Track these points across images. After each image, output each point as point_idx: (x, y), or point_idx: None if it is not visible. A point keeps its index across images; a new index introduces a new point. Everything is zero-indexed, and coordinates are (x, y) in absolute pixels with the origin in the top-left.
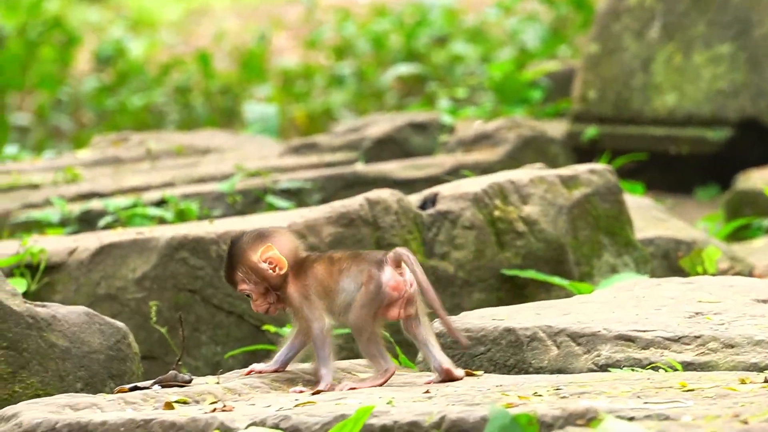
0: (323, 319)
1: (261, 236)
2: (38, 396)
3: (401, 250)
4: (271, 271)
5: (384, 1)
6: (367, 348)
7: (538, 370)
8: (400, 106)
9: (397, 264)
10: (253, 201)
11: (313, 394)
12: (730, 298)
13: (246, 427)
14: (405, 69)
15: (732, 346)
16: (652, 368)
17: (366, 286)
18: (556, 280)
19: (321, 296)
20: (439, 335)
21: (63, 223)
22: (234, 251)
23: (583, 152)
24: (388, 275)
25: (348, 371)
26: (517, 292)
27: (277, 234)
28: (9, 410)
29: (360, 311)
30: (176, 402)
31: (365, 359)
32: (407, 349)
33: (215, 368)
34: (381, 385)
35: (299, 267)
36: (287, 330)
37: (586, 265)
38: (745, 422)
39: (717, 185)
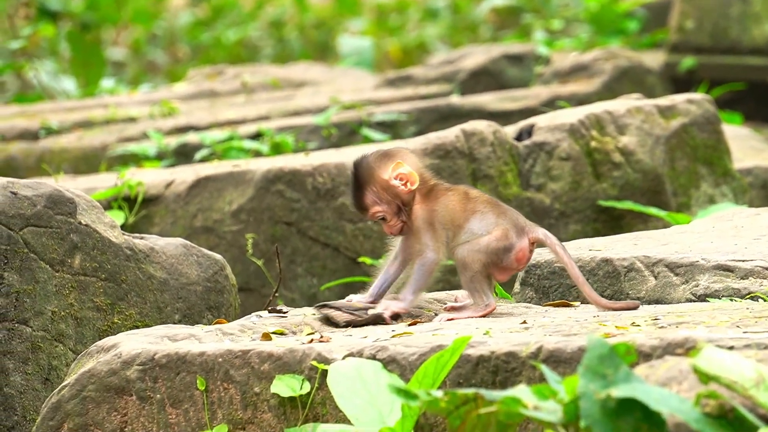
0: (440, 252)
1: (387, 155)
2: (137, 327)
3: (546, 234)
4: (403, 187)
5: None
6: (470, 283)
7: (636, 301)
8: (494, 39)
9: (534, 242)
10: (348, 133)
11: (392, 316)
12: None
13: (343, 358)
14: (500, 1)
15: None
16: (752, 298)
17: (497, 239)
18: (653, 210)
19: (446, 226)
20: None
21: (160, 156)
22: (362, 173)
23: (680, 83)
24: (522, 245)
25: (443, 302)
26: (614, 223)
27: (402, 152)
28: (109, 341)
29: (476, 254)
30: (274, 333)
31: (466, 292)
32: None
33: (311, 300)
34: (480, 317)
35: (428, 190)
36: (383, 261)
37: (684, 196)
38: None
39: None
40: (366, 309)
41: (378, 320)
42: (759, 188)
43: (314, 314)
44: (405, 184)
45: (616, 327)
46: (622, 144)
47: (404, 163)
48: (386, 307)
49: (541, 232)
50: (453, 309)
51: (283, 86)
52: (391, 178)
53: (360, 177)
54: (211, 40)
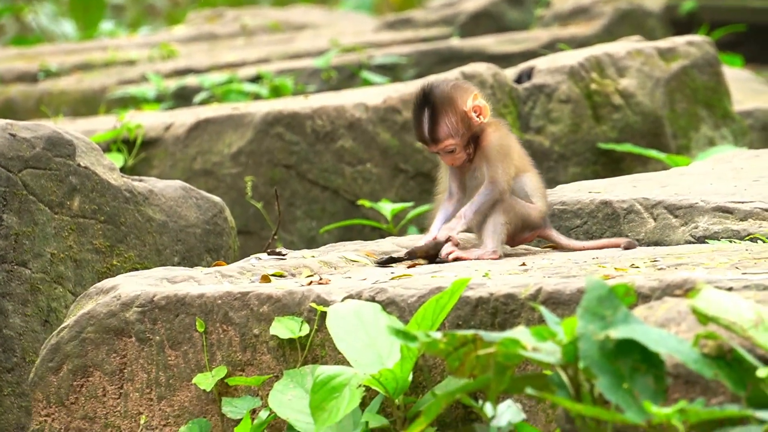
0: (508, 184)
1: (461, 86)
2: (136, 269)
3: (558, 235)
4: (477, 119)
5: None
6: (495, 227)
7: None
8: None
9: (541, 236)
10: (347, 77)
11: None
12: None
13: (342, 300)
14: None
15: None
16: (751, 239)
17: (536, 215)
18: (653, 153)
19: (515, 159)
20: None
21: (159, 98)
22: (440, 102)
23: (681, 25)
24: (538, 232)
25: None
26: (614, 165)
27: (470, 84)
28: (108, 282)
29: (517, 213)
30: (273, 275)
31: (479, 233)
32: None
33: (310, 243)
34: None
35: (496, 123)
36: (382, 205)
37: (684, 138)
38: None
39: None
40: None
41: (438, 246)
42: (759, 130)
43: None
44: (479, 116)
45: (615, 269)
46: (622, 86)
47: (480, 96)
48: (443, 235)
49: (554, 234)
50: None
51: (283, 29)
52: (469, 110)
53: (437, 106)
54: None
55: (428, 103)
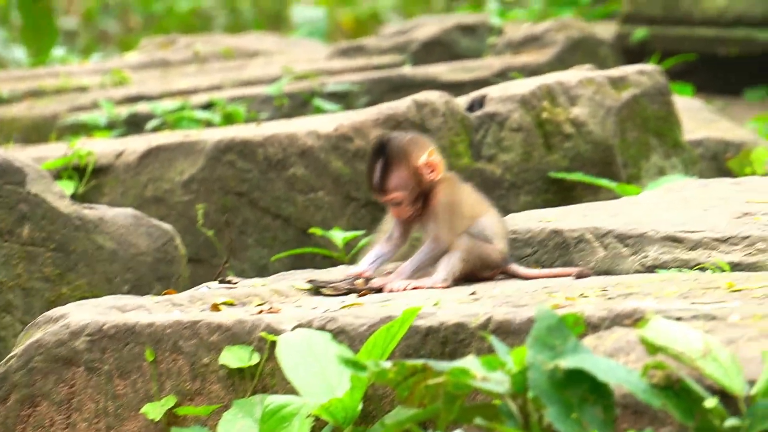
0: (453, 240)
1: (418, 141)
2: (85, 298)
3: (517, 268)
4: (429, 175)
5: None
6: (452, 261)
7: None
8: (448, 9)
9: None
10: (300, 104)
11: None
12: None
13: (292, 329)
14: None
15: None
16: (700, 269)
17: (497, 255)
18: (604, 182)
19: (464, 215)
20: None
21: (110, 125)
22: (394, 154)
23: (633, 54)
24: (499, 270)
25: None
26: (565, 194)
27: (428, 140)
28: (57, 311)
29: (478, 253)
30: (223, 304)
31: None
32: None
33: (261, 271)
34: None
35: (448, 179)
36: (334, 233)
37: (634, 167)
38: None
39: (766, 86)
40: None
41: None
42: (709, 159)
43: (305, 287)
44: (431, 172)
45: (565, 298)
46: (574, 115)
47: (435, 152)
48: (384, 282)
49: (514, 267)
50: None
51: (235, 56)
52: (422, 165)
53: (390, 158)
54: (163, 9)
55: (383, 153)
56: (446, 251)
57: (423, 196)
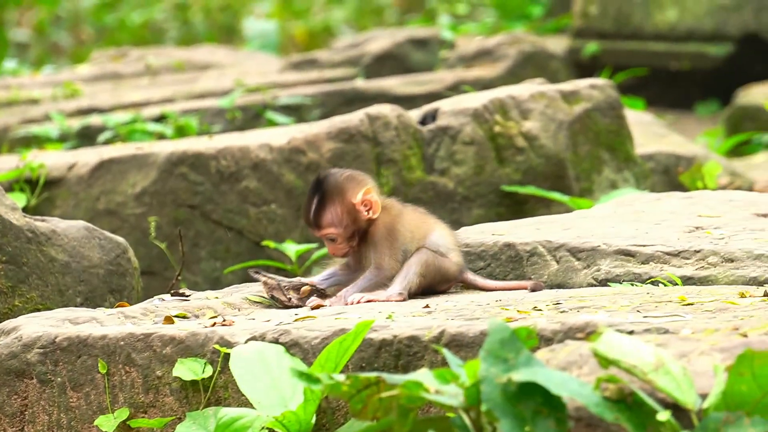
0: (394, 270)
1: (356, 178)
2: (38, 310)
3: (474, 277)
4: (366, 213)
5: None
6: (408, 273)
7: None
8: (400, 23)
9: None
10: (252, 117)
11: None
12: (730, 213)
13: (245, 342)
14: None
15: (732, 260)
16: (652, 283)
17: (454, 268)
18: (556, 195)
19: (406, 241)
20: None
21: (62, 138)
22: (329, 191)
23: (584, 68)
24: (456, 281)
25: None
26: (517, 207)
27: (368, 178)
28: (9, 324)
29: (434, 266)
30: (176, 316)
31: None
32: None
33: (214, 283)
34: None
35: (386, 207)
36: (287, 246)
37: (586, 181)
38: (745, 335)
39: (717, 101)
40: (297, 288)
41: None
42: (661, 173)
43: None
44: (368, 211)
45: (517, 311)
46: (526, 129)
47: (373, 191)
48: (318, 302)
49: (470, 276)
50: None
51: (187, 69)
52: (358, 203)
53: (325, 194)
54: (115, 22)
55: (319, 189)
56: (388, 278)
57: (360, 232)
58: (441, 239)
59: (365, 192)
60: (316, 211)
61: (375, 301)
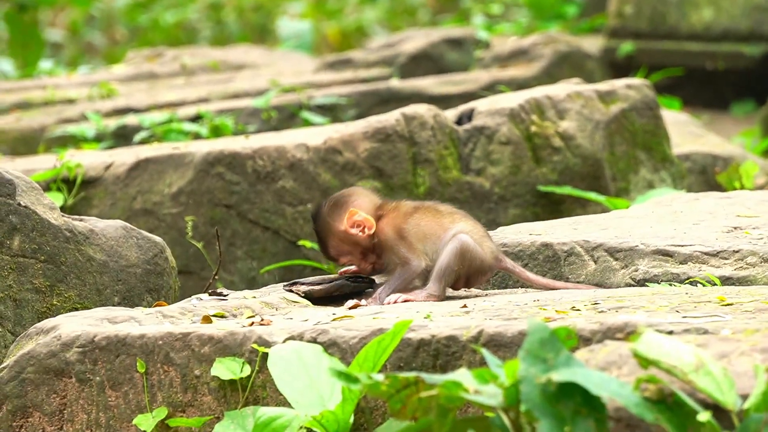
0: (422, 259)
1: (338, 204)
2: (76, 309)
3: (513, 265)
4: (360, 233)
5: None
6: (444, 269)
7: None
8: (433, 23)
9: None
10: (287, 116)
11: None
12: None
13: (283, 341)
14: None
15: None
16: (691, 283)
17: (491, 260)
18: (593, 195)
19: (419, 240)
20: None
21: (99, 138)
22: (320, 227)
23: (619, 68)
24: (494, 270)
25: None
26: (553, 207)
27: (353, 196)
28: (48, 323)
29: (468, 256)
30: (214, 316)
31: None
32: None
33: (251, 283)
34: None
35: (390, 213)
36: None
37: (623, 181)
38: None
39: (753, 101)
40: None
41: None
42: (697, 173)
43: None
44: (362, 230)
45: (556, 311)
46: (562, 129)
47: (358, 210)
48: (355, 302)
49: (509, 263)
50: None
51: (222, 69)
52: (348, 229)
53: (320, 232)
54: (149, 22)
55: (314, 228)
56: (416, 272)
57: (372, 248)
58: (467, 230)
59: (348, 216)
60: (322, 248)
61: (412, 301)
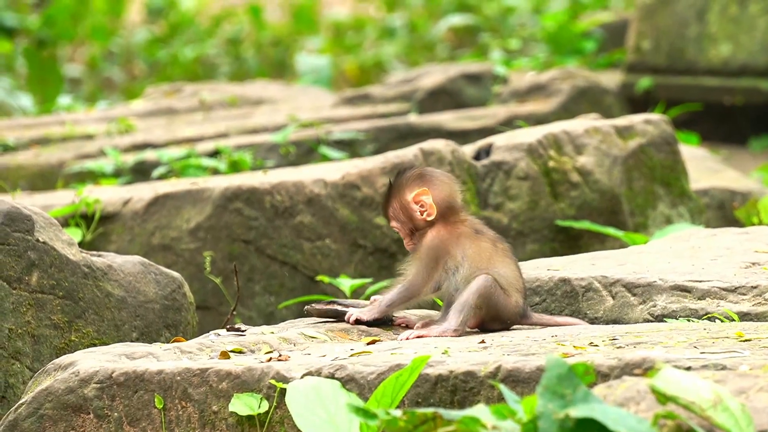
0: (427, 287)
1: (421, 177)
2: (94, 345)
3: (540, 318)
4: (419, 213)
5: None
6: (463, 305)
7: (594, 321)
8: (451, 58)
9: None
10: (306, 152)
11: (356, 321)
12: None
13: (301, 377)
14: (457, 20)
15: None
16: (709, 318)
17: (514, 307)
18: (611, 230)
19: (458, 264)
20: None
21: (117, 173)
22: (395, 184)
23: (637, 103)
24: (515, 323)
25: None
26: (572, 242)
27: (438, 180)
28: (66, 359)
29: (492, 297)
30: (232, 351)
31: (448, 309)
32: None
33: (269, 318)
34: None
35: (452, 224)
36: (341, 281)
37: (641, 216)
38: None
39: None
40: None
41: (341, 317)
42: (715, 209)
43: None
44: (422, 212)
45: (574, 347)
46: (580, 164)
47: (430, 192)
48: (351, 313)
49: (536, 318)
50: (423, 326)
51: (240, 104)
52: (411, 201)
53: (391, 187)
54: (167, 57)
55: (391, 180)
56: (413, 295)
57: (419, 233)
58: (504, 275)
59: (420, 192)
60: (384, 202)
61: (427, 337)
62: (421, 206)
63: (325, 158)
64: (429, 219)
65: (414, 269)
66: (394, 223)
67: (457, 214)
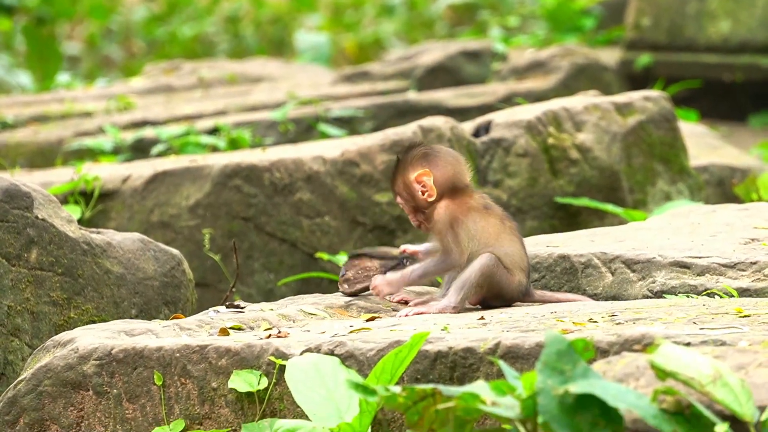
0: (464, 255)
1: (425, 157)
2: (93, 322)
3: (542, 294)
4: (420, 194)
5: None
6: (465, 282)
7: (593, 297)
8: (450, 35)
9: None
10: (305, 129)
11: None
12: None
13: (301, 353)
14: None
15: None
16: (708, 295)
17: (516, 285)
18: (610, 207)
19: (470, 238)
20: None
21: (116, 150)
22: (401, 161)
23: (637, 80)
24: (515, 300)
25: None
26: (571, 219)
27: (443, 160)
28: (65, 335)
29: (493, 274)
30: (231, 328)
31: (448, 286)
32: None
33: (268, 295)
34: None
35: (460, 198)
36: (340, 258)
37: (640, 193)
38: None
39: None
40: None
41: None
42: (714, 185)
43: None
44: (423, 192)
45: (573, 323)
46: (579, 141)
47: (431, 174)
48: (376, 285)
49: (538, 295)
50: (419, 303)
51: (239, 81)
52: (413, 181)
53: (398, 165)
54: (166, 35)
55: (399, 156)
56: (455, 264)
57: (422, 212)
58: (509, 253)
59: (422, 173)
60: (391, 177)
61: (426, 314)
62: (423, 186)
63: (324, 135)
64: (429, 200)
65: (446, 243)
66: (398, 199)
67: (464, 191)
